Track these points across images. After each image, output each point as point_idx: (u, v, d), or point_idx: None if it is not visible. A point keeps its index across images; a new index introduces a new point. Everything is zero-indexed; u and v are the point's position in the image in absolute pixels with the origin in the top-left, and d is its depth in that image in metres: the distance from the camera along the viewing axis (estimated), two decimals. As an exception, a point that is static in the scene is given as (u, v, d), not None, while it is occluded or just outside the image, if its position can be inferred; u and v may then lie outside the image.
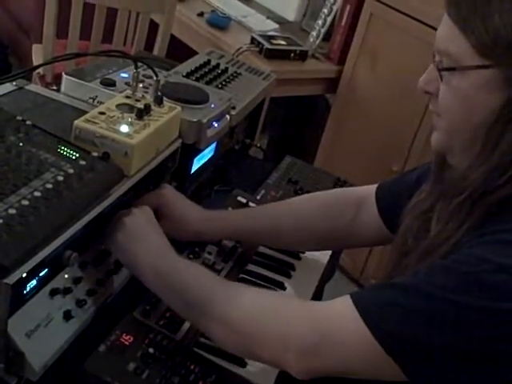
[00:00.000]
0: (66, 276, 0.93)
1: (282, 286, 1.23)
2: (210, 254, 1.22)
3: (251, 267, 1.26)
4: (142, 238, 1.01)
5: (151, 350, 0.96)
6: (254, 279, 1.22)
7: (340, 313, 0.85)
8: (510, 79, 0.80)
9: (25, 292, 0.83)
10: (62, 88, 1.23)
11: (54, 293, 0.90)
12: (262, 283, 1.21)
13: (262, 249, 1.32)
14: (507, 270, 0.75)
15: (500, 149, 0.81)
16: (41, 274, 0.84)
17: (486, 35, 0.80)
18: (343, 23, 2.63)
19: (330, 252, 1.38)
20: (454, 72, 0.84)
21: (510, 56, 0.79)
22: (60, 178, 0.90)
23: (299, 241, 1.26)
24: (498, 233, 0.80)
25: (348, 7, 2.60)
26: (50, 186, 0.87)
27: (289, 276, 1.27)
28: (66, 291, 0.93)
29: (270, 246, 1.31)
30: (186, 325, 1.05)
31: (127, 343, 0.96)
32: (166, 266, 0.98)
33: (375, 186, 1.22)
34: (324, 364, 0.85)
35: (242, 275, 1.22)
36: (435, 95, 0.89)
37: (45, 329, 0.88)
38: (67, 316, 0.93)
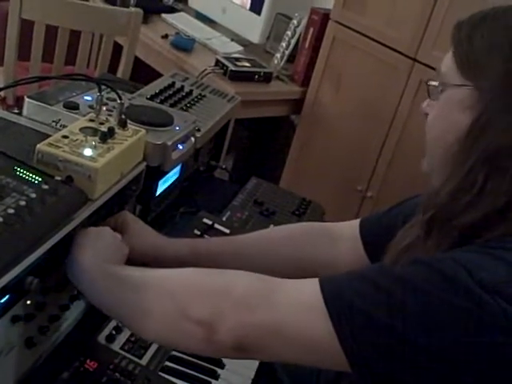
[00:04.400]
0: (28, 302, 0.91)
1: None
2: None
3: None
4: (100, 239, 0.99)
5: (116, 376, 0.95)
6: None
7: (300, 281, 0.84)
8: (480, 99, 0.83)
9: (-15, 320, 0.81)
10: (24, 111, 1.21)
11: (15, 320, 0.88)
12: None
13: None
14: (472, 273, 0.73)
15: (465, 168, 0.82)
16: (1, 301, 0.82)
17: (466, 56, 0.85)
18: (307, 45, 2.67)
19: None
20: (440, 90, 0.89)
21: (482, 77, 0.83)
22: (22, 203, 0.88)
23: (263, 267, 1.15)
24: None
25: (311, 30, 2.64)
26: (11, 211, 0.86)
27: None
28: (28, 318, 0.91)
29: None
30: (152, 349, 1.04)
31: (91, 369, 0.94)
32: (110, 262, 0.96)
33: (351, 222, 1.20)
34: (262, 320, 0.80)
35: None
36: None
37: (6, 357, 0.86)
38: (29, 343, 0.91)
